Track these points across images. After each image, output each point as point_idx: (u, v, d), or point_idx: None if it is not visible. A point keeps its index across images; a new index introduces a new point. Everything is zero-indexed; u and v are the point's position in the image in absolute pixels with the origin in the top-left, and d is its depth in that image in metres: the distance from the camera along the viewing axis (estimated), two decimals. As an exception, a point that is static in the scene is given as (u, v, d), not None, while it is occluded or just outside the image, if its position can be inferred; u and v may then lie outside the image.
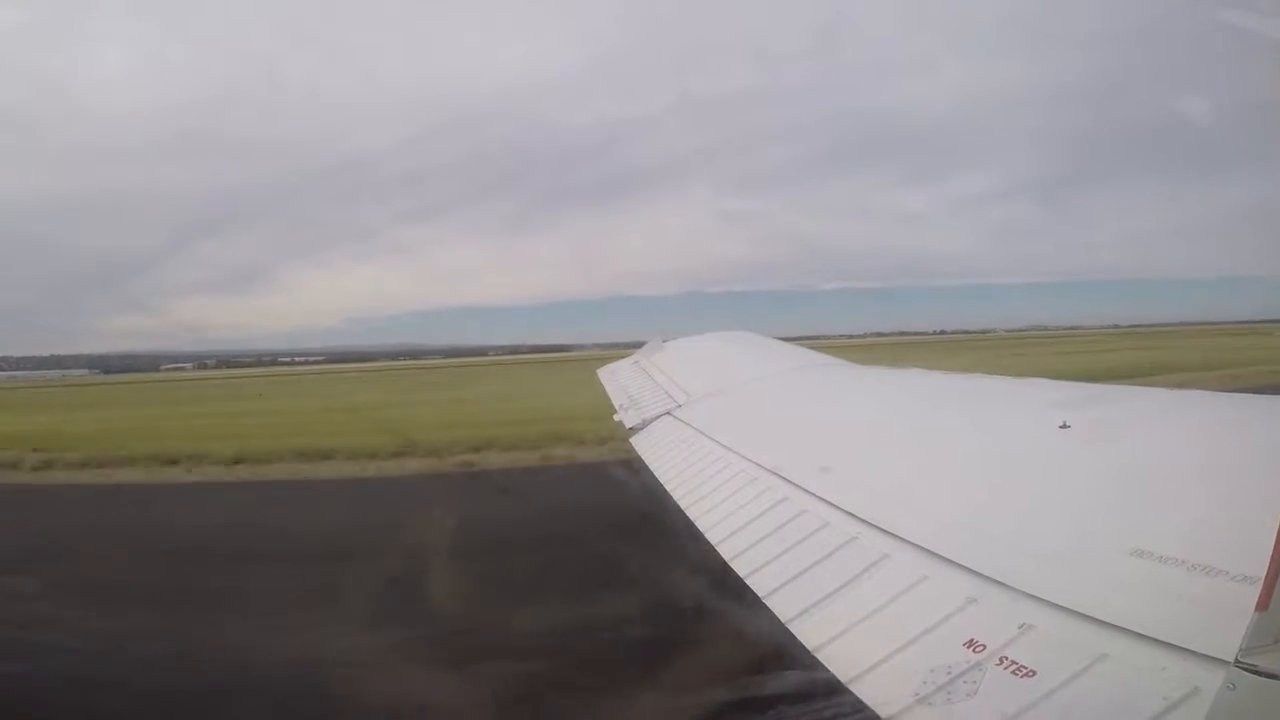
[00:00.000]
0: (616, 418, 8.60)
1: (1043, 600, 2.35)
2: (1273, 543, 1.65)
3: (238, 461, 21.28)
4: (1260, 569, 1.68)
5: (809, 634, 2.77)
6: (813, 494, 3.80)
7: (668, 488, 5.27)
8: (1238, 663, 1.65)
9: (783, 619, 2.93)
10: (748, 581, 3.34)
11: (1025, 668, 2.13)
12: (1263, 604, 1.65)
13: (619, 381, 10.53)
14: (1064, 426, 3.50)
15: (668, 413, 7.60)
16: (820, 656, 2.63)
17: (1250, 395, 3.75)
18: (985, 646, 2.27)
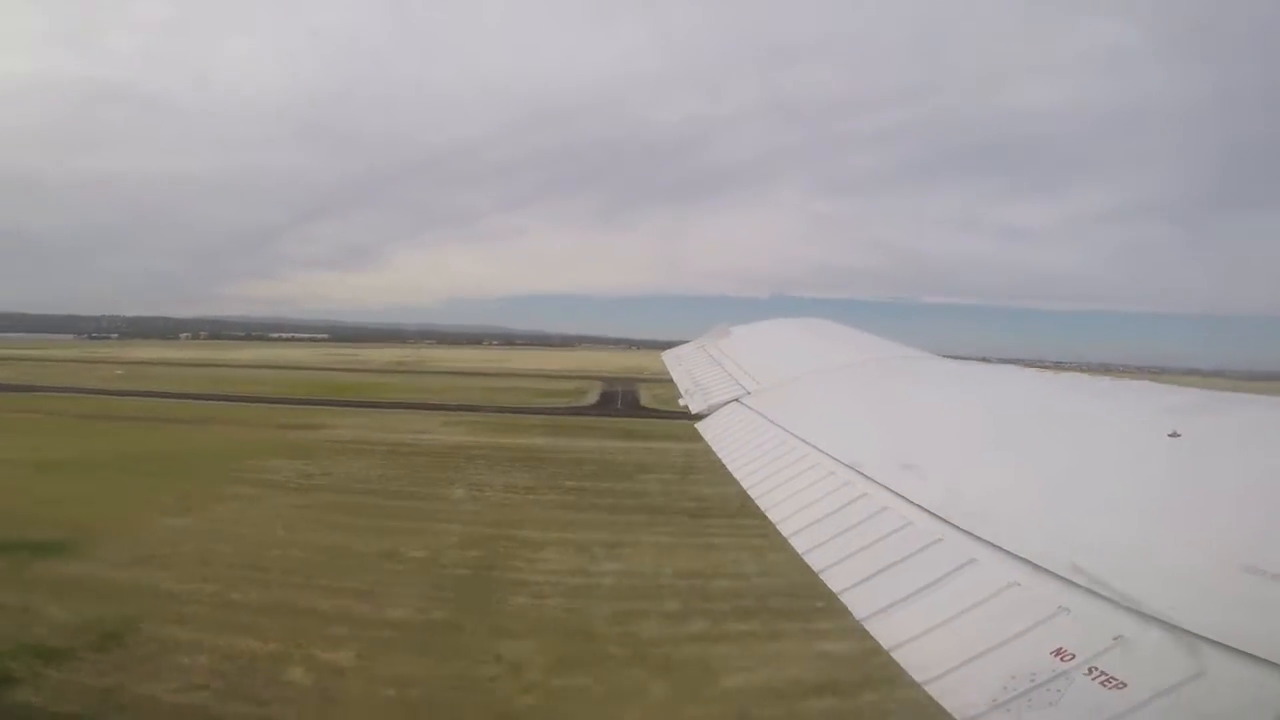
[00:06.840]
0: (682, 402, 8.62)
1: (1142, 614, 2.27)
2: None
3: None
4: None
5: (885, 633, 2.77)
6: (894, 491, 3.73)
7: (735, 475, 5.28)
8: None
9: (857, 616, 2.93)
10: (822, 576, 3.34)
11: (1115, 679, 2.08)
12: None
13: (683, 366, 10.50)
14: (1174, 435, 3.28)
15: (735, 399, 7.56)
16: (896, 655, 2.63)
17: None
18: (1074, 656, 2.22)
